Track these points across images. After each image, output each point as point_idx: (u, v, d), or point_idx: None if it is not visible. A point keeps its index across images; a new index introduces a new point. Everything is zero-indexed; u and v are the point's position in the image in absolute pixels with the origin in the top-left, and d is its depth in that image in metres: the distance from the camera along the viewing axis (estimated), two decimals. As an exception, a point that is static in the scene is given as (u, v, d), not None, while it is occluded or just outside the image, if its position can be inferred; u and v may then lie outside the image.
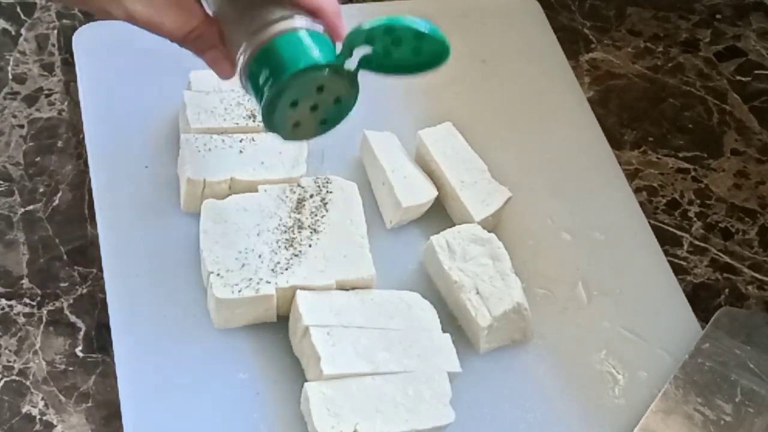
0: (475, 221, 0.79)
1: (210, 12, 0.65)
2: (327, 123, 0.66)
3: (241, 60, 0.63)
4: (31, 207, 0.80)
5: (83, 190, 0.81)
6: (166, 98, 0.84)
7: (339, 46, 0.64)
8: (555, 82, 0.94)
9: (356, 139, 0.83)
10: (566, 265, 0.81)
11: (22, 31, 0.91)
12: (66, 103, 0.87)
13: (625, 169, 0.89)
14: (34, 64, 0.89)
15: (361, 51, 0.63)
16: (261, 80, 0.62)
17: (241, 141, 0.79)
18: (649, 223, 0.85)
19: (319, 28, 0.63)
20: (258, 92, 0.63)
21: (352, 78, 0.64)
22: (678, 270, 0.83)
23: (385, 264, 0.77)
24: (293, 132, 0.65)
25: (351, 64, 0.63)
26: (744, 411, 0.73)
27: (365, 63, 0.64)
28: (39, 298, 0.75)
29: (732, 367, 0.75)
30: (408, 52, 0.64)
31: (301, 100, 0.63)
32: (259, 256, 0.73)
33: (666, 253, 0.84)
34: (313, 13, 0.63)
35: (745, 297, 0.84)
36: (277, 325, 0.74)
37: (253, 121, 0.80)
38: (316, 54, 0.62)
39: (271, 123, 0.64)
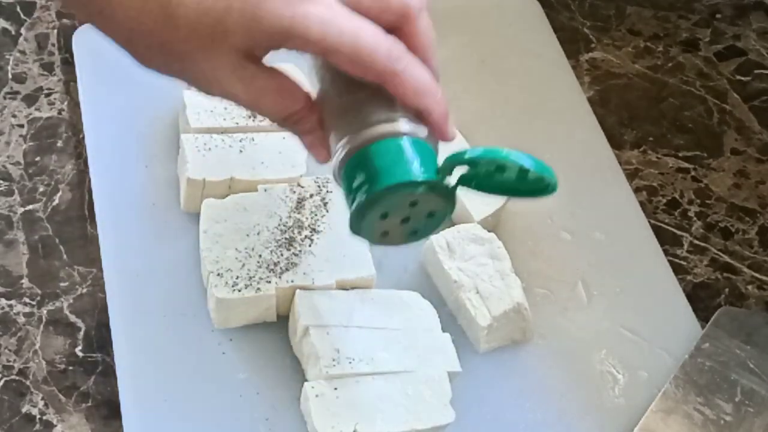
0: (475, 221, 0.79)
1: (313, 95, 0.62)
2: (417, 233, 0.63)
3: (337, 155, 0.60)
4: (31, 207, 0.80)
5: (83, 190, 0.81)
6: (166, 98, 0.83)
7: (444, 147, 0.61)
8: (555, 82, 0.94)
9: (356, 139, 0.83)
10: (566, 265, 0.81)
11: (22, 30, 0.91)
12: (66, 103, 0.87)
13: (625, 169, 0.89)
14: (34, 64, 0.89)
15: (462, 169, 0.60)
16: (354, 183, 0.59)
17: (241, 141, 0.79)
18: (649, 222, 0.85)
19: (423, 132, 0.59)
20: (350, 194, 0.60)
21: (449, 194, 0.60)
22: (678, 270, 0.83)
23: (385, 264, 0.77)
24: (380, 239, 0.62)
25: (450, 179, 0.60)
26: (744, 411, 0.73)
27: (465, 181, 0.61)
28: (39, 298, 0.75)
29: (732, 367, 0.75)
30: (512, 179, 0.61)
31: (393, 212, 0.60)
32: (260, 256, 0.73)
33: (666, 252, 0.84)
34: (420, 115, 0.59)
35: (745, 297, 0.84)
36: (277, 325, 0.74)
37: (253, 120, 0.80)
38: (415, 168, 0.58)
39: (358, 229, 0.61)
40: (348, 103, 0.60)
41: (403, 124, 0.59)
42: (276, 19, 0.55)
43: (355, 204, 0.59)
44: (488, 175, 0.60)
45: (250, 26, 0.55)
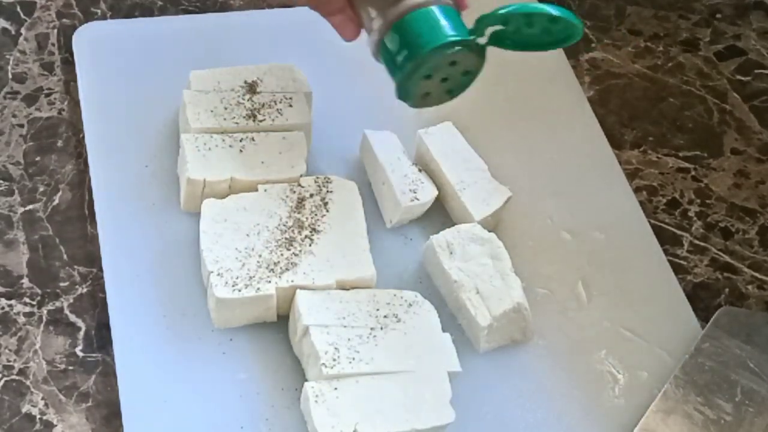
0: (475, 221, 0.79)
1: None
2: (453, 92, 0.70)
3: (375, 30, 0.66)
4: (31, 207, 0.80)
5: (83, 189, 0.81)
6: (166, 98, 0.84)
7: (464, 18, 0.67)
8: (555, 82, 0.94)
9: (356, 139, 0.83)
10: (566, 265, 0.81)
11: (22, 30, 0.91)
12: (66, 103, 0.87)
13: (625, 169, 0.89)
14: (34, 64, 0.89)
15: (492, 28, 0.67)
16: (395, 53, 0.66)
17: (241, 141, 0.79)
18: (649, 222, 0.85)
19: (449, 1, 0.67)
20: (392, 63, 0.66)
21: (481, 52, 0.68)
22: (678, 270, 0.83)
23: (385, 264, 0.77)
24: (422, 100, 0.69)
25: (482, 39, 0.67)
26: (744, 411, 0.73)
27: (495, 39, 0.68)
28: (39, 298, 0.75)
29: (732, 367, 0.75)
30: (539, 32, 0.68)
31: (435, 73, 0.67)
32: (260, 256, 0.73)
33: (666, 252, 0.84)
34: None
35: (745, 297, 0.84)
36: (277, 325, 0.74)
37: (253, 121, 0.80)
38: (452, 31, 0.65)
39: (404, 94, 0.68)
40: None
41: None
42: None
43: (401, 71, 0.66)
44: (517, 31, 0.68)
45: None
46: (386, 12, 0.66)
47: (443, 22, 0.66)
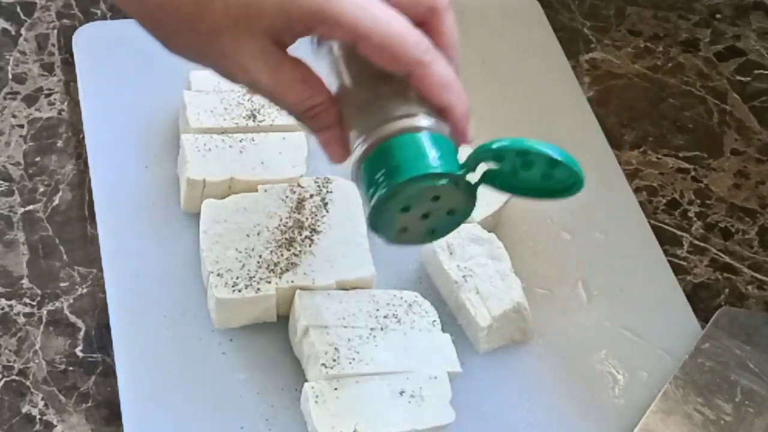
0: (475, 221, 0.79)
1: (333, 91, 0.61)
2: (435, 233, 0.62)
3: (357, 151, 0.59)
4: (31, 207, 0.80)
5: (83, 190, 0.81)
6: (166, 98, 0.83)
7: (461, 152, 0.60)
8: (555, 82, 0.94)
9: (356, 139, 0.83)
10: (566, 265, 0.81)
11: (22, 31, 0.91)
12: (66, 103, 0.87)
13: (625, 169, 0.89)
14: (34, 64, 0.89)
15: (486, 165, 0.60)
16: (375, 178, 0.58)
17: (241, 141, 0.79)
18: (649, 223, 0.85)
19: (444, 130, 0.59)
20: (369, 189, 0.58)
21: (471, 191, 0.59)
22: (678, 270, 0.83)
23: (385, 264, 0.77)
24: (398, 236, 0.61)
25: (473, 177, 0.59)
26: (744, 411, 0.73)
27: (488, 178, 0.60)
28: (39, 298, 0.75)
29: (732, 367, 0.75)
30: (537, 176, 0.59)
31: (413, 206, 0.59)
32: (260, 256, 0.73)
33: (666, 253, 0.84)
34: (441, 112, 0.59)
35: (745, 297, 0.84)
36: (277, 325, 0.74)
37: (253, 121, 0.80)
38: (437, 162, 0.57)
39: (377, 223, 0.59)
40: (369, 98, 0.60)
41: (425, 120, 0.58)
42: (311, 0, 0.55)
43: (375, 197, 0.58)
44: (513, 172, 0.59)
45: (284, 6, 0.55)
46: (372, 132, 0.58)
47: (431, 152, 0.57)
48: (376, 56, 0.56)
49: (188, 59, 0.59)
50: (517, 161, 0.59)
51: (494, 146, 0.58)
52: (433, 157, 0.57)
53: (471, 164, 0.59)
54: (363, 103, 0.60)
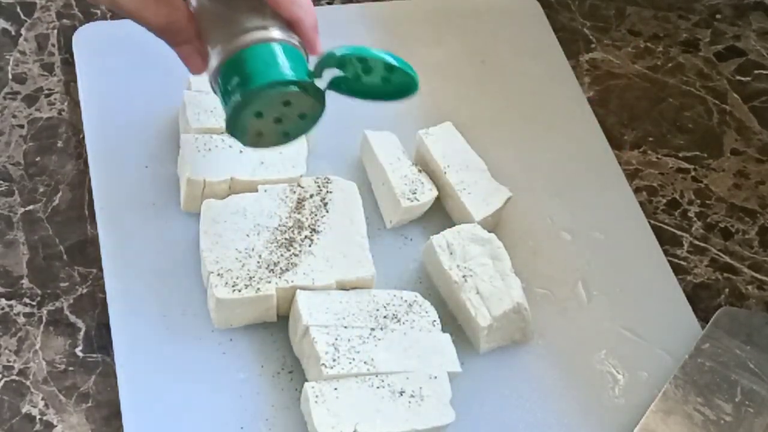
0: (475, 221, 0.79)
1: (191, 7, 0.66)
2: (289, 135, 0.68)
3: (213, 62, 0.65)
4: (31, 207, 0.80)
5: (83, 190, 0.81)
6: (166, 98, 0.84)
7: (311, 59, 0.65)
8: (555, 82, 0.94)
9: (356, 139, 0.83)
10: (566, 265, 0.81)
11: (22, 31, 0.91)
12: (66, 103, 0.87)
13: (625, 169, 0.89)
14: (34, 64, 0.89)
15: (332, 72, 0.65)
16: (229, 86, 0.64)
17: (241, 141, 0.79)
18: (649, 223, 0.85)
19: (294, 41, 0.65)
20: (225, 97, 0.64)
21: (319, 96, 0.65)
22: (678, 270, 0.83)
23: (385, 264, 0.77)
24: (254, 140, 0.67)
25: (321, 83, 0.65)
26: (744, 411, 0.73)
27: (334, 85, 0.66)
28: (39, 298, 0.75)
29: (732, 367, 0.75)
30: (377, 81, 0.66)
31: (266, 112, 0.65)
32: (260, 256, 0.73)
33: (666, 253, 0.84)
34: (291, 25, 0.65)
35: (745, 297, 0.84)
36: (277, 325, 0.74)
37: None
38: (286, 69, 0.63)
39: (233, 129, 0.65)
40: (224, 13, 0.65)
41: (276, 32, 0.64)
42: None
43: (230, 104, 0.64)
44: (356, 78, 0.66)
45: None
46: (226, 45, 0.64)
47: (280, 60, 0.63)
48: None
49: None
50: (359, 67, 0.66)
51: (338, 53, 0.65)
52: (283, 65, 0.63)
53: (318, 71, 0.65)
54: (219, 18, 0.65)
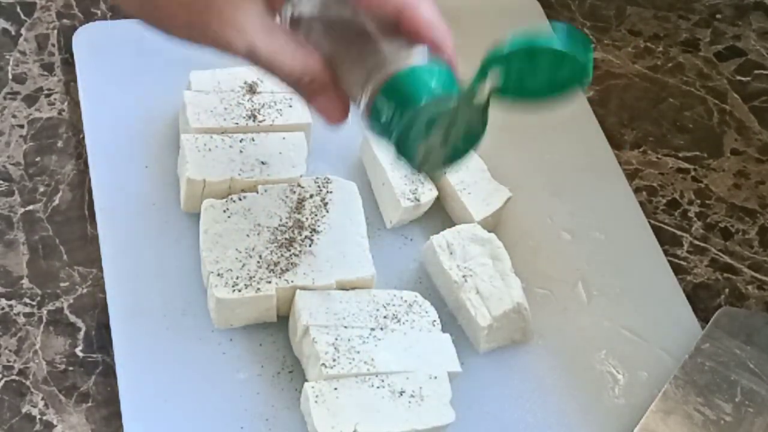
0: (475, 221, 0.79)
1: (323, 54, 0.63)
2: (455, 156, 0.65)
3: (363, 98, 0.62)
4: (31, 207, 0.80)
5: (83, 190, 0.81)
6: (166, 98, 0.84)
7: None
8: (555, 82, 0.94)
9: (356, 139, 0.83)
10: (566, 265, 0.81)
11: (22, 31, 0.91)
12: (66, 103, 0.87)
13: (625, 169, 0.89)
14: (34, 64, 0.89)
15: (490, 83, 0.61)
16: (388, 114, 0.60)
17: (241, 141, 0.79)
18: (649, 223, 0.85)
19: (441, 62, 0.62)
20: (386, 126, 0.61)
21: (482, 110, 0.62)
22: (678, 270, 0.83)
23: (385, 264, 0.77)
24: (423, 163, 0.64)
25: (481, 96, 0.61)
26: (744, 411, 0.73)
27: (497, 91, 0.62)
28: (39, 298, 0.75)
29: (732, 367, 0.75)
30: (544, 73, 0.60)
31: (432, 131, 0.62)
32: (260, 256, 0.73)
33: (666, 253, 0.84)
34: (435, 48, 0.62)
35: (745, 297, 0.84)
36: (277, 325, 0.74)
37: (253, 121, 0.80)
38: (446, 83, 0.61)
39: (403, 152, 0.62)
40: (363, 48, 0.62)
41: (421, 56, 0.62)
42: None
43: (396, 128, 0.60)
44: (520, 77, 0.60)
45: None
46: (376, 74, 0.61)
47: (437, 77, 0.61)
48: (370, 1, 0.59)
49: (189, 39, 0.60)
50: (523, 61, 0.60)
51: (503, 52, 0.60)
52: (440, 81, 0.61)
53: (479, 78, 0.61)
54: (359, 54, 0.62)
